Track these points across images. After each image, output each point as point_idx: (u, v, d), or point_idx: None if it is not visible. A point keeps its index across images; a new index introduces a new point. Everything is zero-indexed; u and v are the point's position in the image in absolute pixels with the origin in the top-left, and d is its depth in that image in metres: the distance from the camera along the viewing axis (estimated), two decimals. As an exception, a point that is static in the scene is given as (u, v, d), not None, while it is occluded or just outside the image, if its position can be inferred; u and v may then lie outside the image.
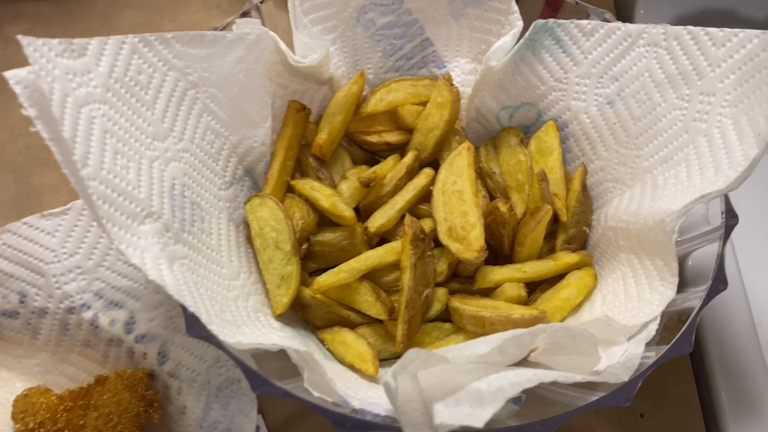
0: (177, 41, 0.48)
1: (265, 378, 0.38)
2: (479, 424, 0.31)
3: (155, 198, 0.44)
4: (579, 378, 0.36)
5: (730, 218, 0.45)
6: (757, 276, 0.61)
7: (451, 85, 0.57)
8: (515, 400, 0.40)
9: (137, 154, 0.44)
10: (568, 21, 0.55)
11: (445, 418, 0.32)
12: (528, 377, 0.34)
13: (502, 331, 0.48)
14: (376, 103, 0.59)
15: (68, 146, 0.38)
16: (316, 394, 0.40)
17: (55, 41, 0.40)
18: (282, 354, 0.42)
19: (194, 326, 0.39)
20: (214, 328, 0.39)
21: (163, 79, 0.47)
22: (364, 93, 0.60)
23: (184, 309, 0.39)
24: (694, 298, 0.43)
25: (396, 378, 0.33)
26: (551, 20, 0.55)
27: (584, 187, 0.55)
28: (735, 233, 0.62)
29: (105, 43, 0.43)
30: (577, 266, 0.53)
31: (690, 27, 0.49)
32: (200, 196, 0.49)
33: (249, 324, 0.45)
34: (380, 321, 0.52)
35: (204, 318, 0.39)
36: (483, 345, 0.35)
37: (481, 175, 0.58)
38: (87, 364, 0.52)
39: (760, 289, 0.61)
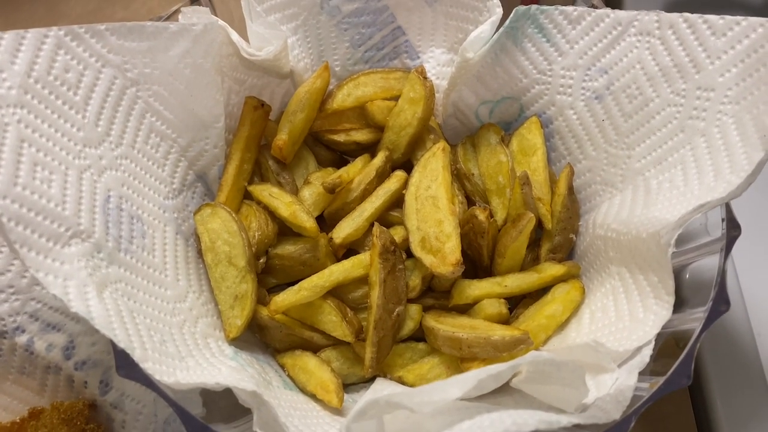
0: (112, 34, 0.42)
1: (205, 424, 0.33)
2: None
3: (84, 214, 0.38)
4: (564, 422, 0.32)
5: (732, 229, 0.40)
6: (756, 284, 0.57)
7: (425, 78, 0.52)
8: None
9: (63, 164, 0.38)
10: (552, 7, 0.50)
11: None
12: (505, 427, 0.30)
13: (480, 354, 0.44)
14: (344, 98, 0.54)
15: (-30, 160, 0.32)
16: (267, 441, 0.35)
17: (-42, 35, 0.34)
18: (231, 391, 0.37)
19: (125, 364, 0.34)
20: (149, 365, 0.34)
21: (96, 77, 0.42)
22: (330, 87, 0.55)
23: (113, 345, 0.34)
24: (693, 320, 0.38)
25: (349, 428, 0.28)
26: (534, 6, 0.50)
27: (571, 190, 0.51)
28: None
29: (22, 38, 0.38)
30: (563, 278, 0.48)
31: (686, 14, 0.44)
32: (142, 208, 0.43)
33: (195, 354, 0.40)
34: (347, 343, 0.47)
35: (138, 354, 0.34)
36: (455, 389, 0.31)
37: (459, 178, 0.54)
38: (22, 393, 0.47)
39: (759, 298, 0.57)
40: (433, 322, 0.46)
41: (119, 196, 0.42)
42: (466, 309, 0.48)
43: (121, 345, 0.34)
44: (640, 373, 0.38)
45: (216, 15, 0.50)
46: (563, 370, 0.36)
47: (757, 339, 0.54)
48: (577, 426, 0.34)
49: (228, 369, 0.39)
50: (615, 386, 0.37)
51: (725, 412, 0.51)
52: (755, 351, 0.53)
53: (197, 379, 0.35)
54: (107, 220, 0.40)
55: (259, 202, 0.50)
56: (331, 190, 0.49)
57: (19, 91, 0.37)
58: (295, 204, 0.48)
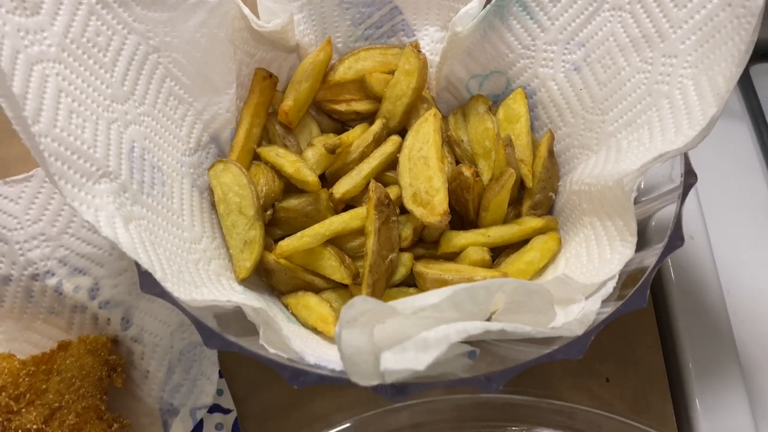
0: (137, 4, 0.48)
1: (217, 332, 0.38)
2: (421, 366, 0.31)
3: (112, 158, 0.43)
4: (529, 329, 0.36)
5: (689, 177, 0.45)
6: (726, 243, 0.61)
7: (419, 52, 0.57)
8: (470, 354, 0.40)
9: (94, 114, 0.43)
10: (535, -13, 0.55)
11: (389, 364, 0.32)
12: (475, 326, 0.34)
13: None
14: (345, 71, 0.59)
15: (18, 102, 0.37)
16: (271, 350, 0.40)
17: (6, -3, 0.39)
18: (243, 315, 0.42)
19: (148, 283, 0.39)
20: (169, 285, 0.39)
21: (123, 42, 0.47)
22: (333, 62, 0.60)
23: (138, 266, 0.39)
24: (652, 255, 0.43)
25: (342, 330, 0.33)
26: (518, -14, 0.55)
27: (551, 153, 0.55)
28: (704, 200, 0.63)
29: (60, 3, 0.43)
30: (541, 231, 0.53)
31: (652, -11, 0.49)
32: (161, 161, 0.49)
33: (209, 285, 0.45)
34: (345, 286, 0.52)
35: (158, 275, 0.39)
36: (434, 296, 0.35)
37: (450, 144, 0.58)
38: (52, 331, 0.52)
39: (728, 256, 0.61)
40: (422, 267, 0.51)
41: (142, 148, 0.47)
42: (452, 257, 0.53)
43: (144, 266, 0.39)
44: (604, 302, 0.42)
45: (229, -8, 0.55)
46: (534, 296, 0.40)
47: (725, 296, 0.58)
48: (546, 339, 0.39)
49: (238, 296, 0.44)
50: (581, 313, 0.42)
51: (694, 359, 0.55)
52: (723, 306, 0.57)
53: (211, 297, 0.40)
54: (132, 166, 0.45)
55: (266, 162, 0.55)
56: (332, 150, 0.54)
57: (58, 49, 0.42)
58: (299, 162, 0.53)
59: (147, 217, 0.44)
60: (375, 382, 0.34)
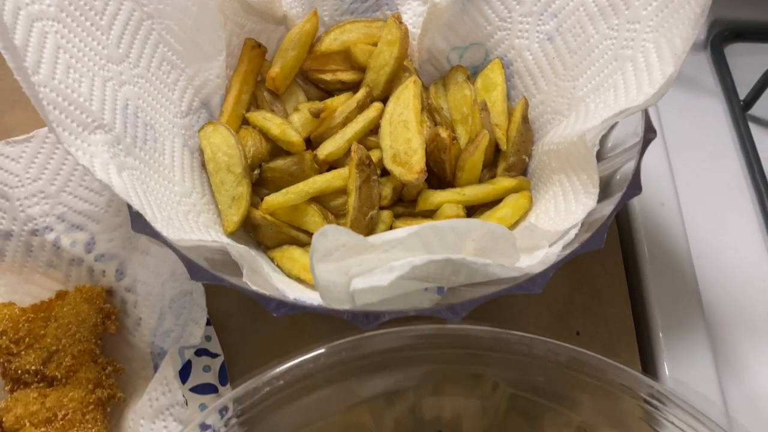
0: (132, -28, 0.51)
1: (202, 266, 0.41)
2: (385, 282, 0.34)
3: (107, 113, 0.46)
4: (489, 261, 0.39)
5: (649, 133, 0.48)
6: (697, 211, 0.64)
7: (400, 23, 0.60)
8: (438, 290, 0.43)
9: (90, 72, 0.46)
10: (511, -40, 0.57)
11: (358, 284, 0.35)
12: (437, 256, 0.37)
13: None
14: (330, 42, 0.62)
15: (19, 53, 0.40)
16: (253, 288, 0.43)
17: (7, -41, 0.42)
18: (232, 263, 0.45)
19: (139, 222, 0.42)
20: (158, 225, 0.42)
21: (118, 8, 0.50)
22: (319, 34, 0.63)
23: (129, 208, 0.42)
24: (612, 204, 0.46)
25: (316, 261, 0.36)
26: (494, -40, 0.58)
27: (525, 118, 0.58)
28: (677, 170, 0.66)
29: (58, -33, 0.46)
30: (514, 190, 0.56)
31: (618, -41, 0.52)
32: (154, 120, 0.52)
33: (197, 234, 0.48)
34: (327, 241, 0.54)
35: (149, 216, 0.42)
36: (402, 231, 0.38)
37: (430, 111, 0.61)
38: (50, 284, 0.55)
39: (698, 222, 0.64)
40: (401, 224, 0.54)
41: (136, 106, 0.50)
42: (430, 215, 0.55)
43: (136, 207, 0.42)
44: (568, 247, 0.45)
45: (220, -35, 0.58)
46: (500, 240, 0.43)
47: (694, 256, 0.61)
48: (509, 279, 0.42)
49: (224, 240, 0.47)
50: (544, 256, 0.45)
51: (661, 315, 0.58)
52: (688, 253, 0.60)
53: (199, 236, 0.43)
54: (125, 121, 0.48)
55: (254, 126, 0.58)
56: (317, 114, 0.57)
57: (57, 9, 0.45)
58: (285, 124, 0.56)
59: (139, 168, 0.47)
60: (347, 305, 0.37)
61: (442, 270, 0.39)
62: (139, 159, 0.48)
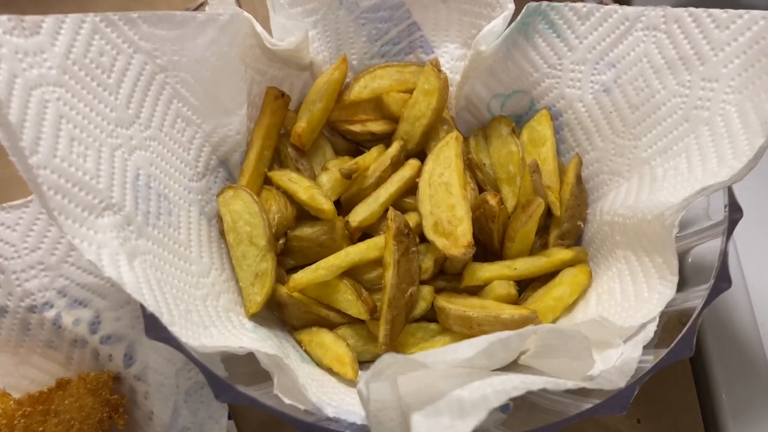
0: (144, 21, 0.45)
1: (230, 384, 0.35)
2: (459, 437, 0.29)
3: (116, 189, 0.40)
4: (570, 385, 0.33)
5: (734, 212, 0.42)
6: (759, 273, 0.58)
7: (439, 70, 0.54)
8: (503, 408, 0.37)
9: (97, 141, 0.40)
10: (562, 4, 0.52)
11: (422, 430, 0.29)
12: (514, 384, 0.31)
13: (491, 332, 0.45)
14: (360, 90, 0.56)
15: (15, 131, 0.35)
16: (287, 401, 0.37)
17: (4, 17, 0.37)
18: (253, 358, 0.39)
19: (154, 327, 0.36)
20: (177, 329, 0.36)
21: (128, 62, 0.44)
22: (348, 80, 0.57)
23: (143, 309, 0.36)
24: (695, 297, 0.40)
25: (368, 386, 0.30)
26: (544, 3, 0.52)
27: (579, 179, 0.52)
28: (737, 228, 0.60)
29: (62, 22, 0.40)
30: (570, 263, 0.50)
31: (691, 8, 0.46)
32: (168, 188, 0.46)
33: (218, 325, 0.42)
34: (362, 321, 0.49)
35: (165, 318, 0.36)
36: (467, 349, 0.32)
37: (471, 167, 0.55)
38: (49, 366, 0.49)
39: (762, 287, 0.58)
40: (444, 302, 0.48)
41: (148, 175, 0.44)
42: (476, 291, 0.50)
43: (150, 309, 0.36)
44: (645, 347, 0.39)
45: (241, 8, 0.52)
46: (570, 341, 0.37)
47: (760, 328, 0.55)
48: (579, 392, 0.36)
49: (249, 339, 0.41)
50: (620, 359, 0.39)
51: (728, 398, 0.52)
52: (758, 339, 0.54)
53: (222, 342, 0.37)
54: (137, 195, 0.42)
55: (278, 187, 0.52)
56: (348, 175, 0.51)
57: (59, 71, 0.39)
58: (314, 188, 0.50)
59: (153, 251, 0.41)
60: (402, 442, 0.31)
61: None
62: (152, 239, 0.42)
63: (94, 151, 0.40)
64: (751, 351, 0.54)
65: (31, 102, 0.36)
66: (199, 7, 0.50)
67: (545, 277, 0.50)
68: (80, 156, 0.39)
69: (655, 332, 0.40)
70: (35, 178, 0.35)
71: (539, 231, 0.52)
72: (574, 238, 0.52)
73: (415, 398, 0.32)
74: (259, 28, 0.50)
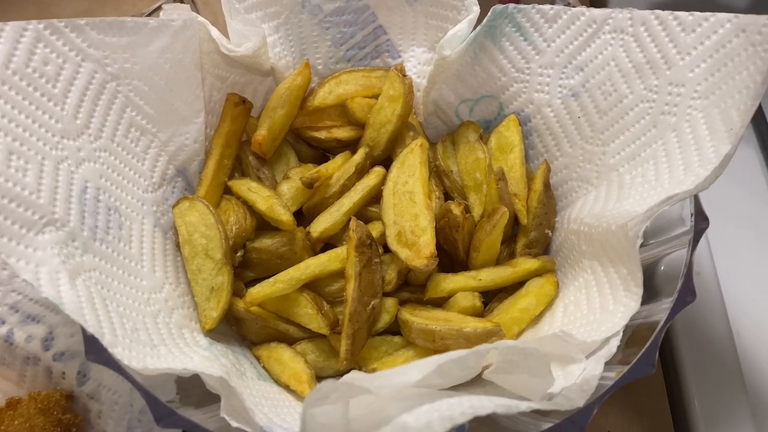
0: (92, 28, 0.43)
1: (171, 409, 0.33)
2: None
3: (60, 204, 0.39)
4: (523, 407, 0.32)
5: (700, 221, 0.41)
6: (735, 281, 0.57)
7: (404, 76, 0.53)
8: (459, 429, 0.35)
9: (39, 154, 0.39)
10: (529, 6, 0.50)
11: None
12: (462, 410, 0.30)
13: (453, 346, 0.44)
14: (325, 95, 0.55)
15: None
16: (234, 424, 0.35)
17: (-66, 25, 0.35)
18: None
19: (94, 349, 0.34)
20: (119, 350, 0.35)
21: (76, 71, 0.43)
22: (313, 85, 0.56)
23: (83, 330, 0.35)
24: (661, 310, 0.39)
25: (305, 411, 0.29)
26: (511, 5, 0.50)
27: (547, 186, 0.51)
28: (712, 233, 0.58)
29: (1, 30, 0.39)
30: (537, 273, 0.48)
31: (658, 11, 0.45)
32: (120, 200, 0.44)
33: (168, 343, 0.40)
34: (323, 335, 0.47)
35: (107, 339, 0.35)
36: (415, 372, 0.31)
37: (438, 174, 0.54)
38: (1, 384, 0.47)
39: (738, 295, 0.57)
40: (408, 315, 0.47)
41: (97, 188, 0.42)
42: (441, 302, 0.48)
43: (90, 330, 0.34)
44: (608, 363, 0.38)
45: (198, 14, 0.50)
46: (529, 358, 0.36)
47: (735, 338, 0.54)
48: (536, 412, 0.34)
49: (200, 358, 0.39)
50: (582, 376, 0.38)
51: (701, 407, 0.51)
52: (733, 349, 0.53)
53: (166, 364, 0.36)
54: (83, 210, 0.41)
55: (238, 197, 0.50)
56: (310, 185, 0.50)
57: (-4, 82, 0.37)
58: (273, 198, 0.48)
59: (99, 267, 0.40)
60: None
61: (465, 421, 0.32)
62: (99, 255, 0.40)
63: (35, 165, 0.38)
64: (724, 359, 0.53)
65: (-37, 114, 0.35)
66: (152, 13, 0.48)
67: (512, 288, 0.49)
68: (19, 170, 0.37)
69: (618, 347, 0.39)
70: (-34, 196, 0.34)
71: (506, 240, 0.51)
72: (542, 247, 0.51)
73: (362, 424, 0.31)
74: (215, 33, 0.49)
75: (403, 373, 0.31)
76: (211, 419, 0.36)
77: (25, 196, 0.37)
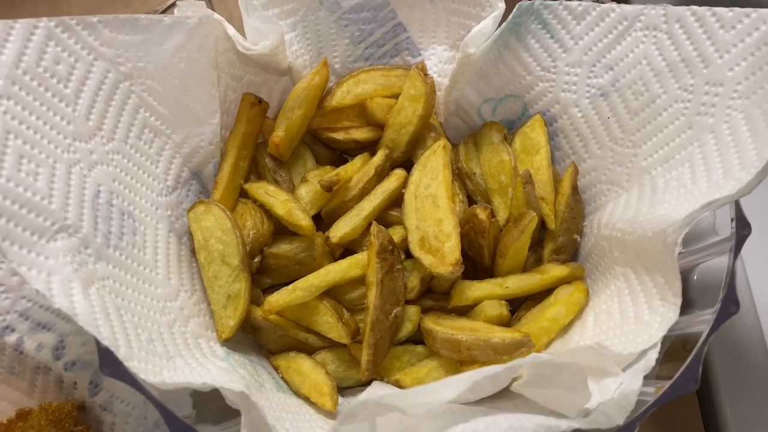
0: (105, 26, 0.42)
1: (188, 425, 0.31)
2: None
3: (72, 209, 0.37)
4: (564, 427, 0.30)
5: (742, 228, 0.39)
6: (766, 287, 0.55)
7: (426, 75, 0.51)
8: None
9: (51, 157, 0.37)
10: (556, 2, 0.48)
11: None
12: (501, 430, 0.28)
13: (480, 357, 0.42)
14: (343, 95, 0.53)
15: (-49, 150, 0.32)
16: (254, 443, 0.34)
17: (-58, 23, 0.33)
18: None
19: (108, 362, 0.33)
20: (134, 364, 0.33)
21: (88, 70, 0.41)
22: (330, 84, 0.54)
23: (98, 342, 0.33)
24: (700, 322, 0.37)
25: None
26: (537, 1, 0.49)
27: (575, 189, 0.49)
28: (746, 251, 0.56)
29: (11, 27, 0.37)
30: (566, 280, 0.47)
31: (694, 7, 0.43)
32: (133, 204, 0.42)
33: (185, 354, 0.39)
34: (343, 345, 0.45)
35: (122, 352, 0.33)
36: (449, 390, 0.29)
37: (460, 177, 0.52)
38: (11, 394, 0.46)
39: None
40: (431, 323, 0.45)
41: (110, 192, 0.41)
42: (466, 311, 0.47)
43: (105, 342, 0.33)
44: (646, 377, 0.36)
45: (214, 11, 0.49)
46: (564, 372, 0.34)
47: (766, 336, 0.52)
48: (577, 431, 0.33)
49: (218, 369, 0.38)
50: (619, 391, 0.36)
51: (734, 418, 0.49)
52: (765, 355, 0.51)
53: (184, 378, 0.34)
54: (96, 215, 0.39)
55: (255, 201, 0.49)
56: (329, 188, 0.48)
57: (6, 82, 0.36)
58: (291, 202, 0.47)
59: (113, 275, 0.38)
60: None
61: None
62: (112, 262, 0.39)
63: (47, 169, 0.37)
64: (757, 370, 0.51)
65: (-28, 117, 0.33)
66: (167, 10, 0.47)
67: (539, 295, 0.47)
68: (30, 174, 0.35)
69: (657, 360, 0.37)
70: (-25, 202, 0.32)
71: (533, 245, 0.49)
72: (571, 252, 0.49)
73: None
74: (231, 31, 0.47)
75: (435, 391, 0.30)
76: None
77: (37, 201, 0.35)
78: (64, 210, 0.37)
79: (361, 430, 0.30)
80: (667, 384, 0.34)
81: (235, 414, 0.36)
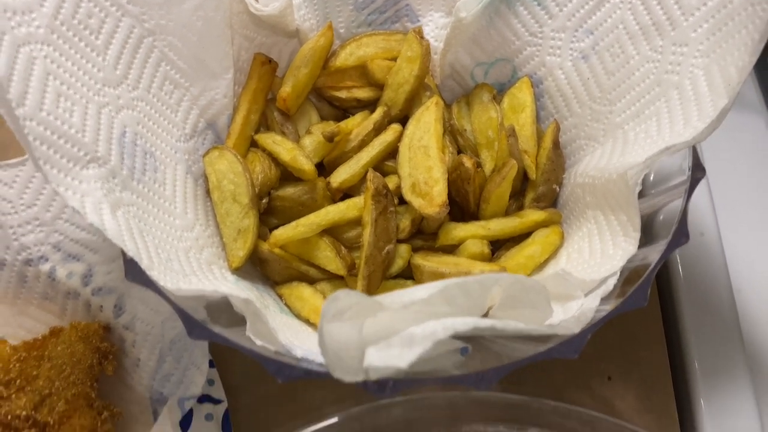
0: (131, -14, 0.47)
1: (200, 322, 0.37)
2: (404, 364, 0.30)
3: (102, 144, 0.42)
4: (521, 326, 0.35)
5: (697, 171, 0.43)
6: (738, 240, 0.59)
7: (421, 38, 0.55)
8: (462, 351, 0.39)
9: (84, 98, 0.42)
10: (543, -29, 0.53)
11: (373, 361, 0.31)
12: (464, 322, 0.33)
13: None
14: (346, 57, 0.58)
15: (2, 84, 0.37)
16: (258, 342, 0.39)
17: (-7, -23, 0.38)
18: (233, 306, 0.41)
19: (133, 271, 0.38)
20: (155, 273, 0.38)
21: (116, 25, 0.46)
22: (335, 47, 0.59)
23: (123, 254, 0.38)
24: (656, 252, 0.41)
25: (325, 323, 0.32)
26: (525, -30, 0.53)
27: (556, 144, 0.53)
28: (716, 194, 0.61)
29: (50, -16, 0.42)
30: (544, 224, 0.51)
31: (665, -25, 0.47)
32: (155, 146, 0.48)
33: (199, 275, 0.44)
34: (340, 277, 0.51)
35: (145, 263, 0.39)
36: (422, 291, 0.34)
37: (452, 133, 0.57)
38: (45, 317, 0.52)
39: (740, 254, 0.59)
40: (420, 260, 0.50)
41: (134, 133, 0.46)
42: (452, 250, 0.51)
43: (130, 254, 0.38)
44: (605, 299, 0.41)
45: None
46: (531, 292, 0.39)
47: (736, 295, 0.56)
48: (540, 336, 0.37)
49: (228, 287, 0.43)
50: (579, 310, 0.40)
51: (699, 359, 0.53)
52: (733, 305, 0.56)
53: (197, 286, 0.39)
54: (122, 151, 0.44)
55: (263, 149, 0.53)
56: (330, 138, 0.53)
57: (47, 31, 0.41)
58: (296, 149, 0.52)
59: (137, 203, 0.43)
60: (359, 378, 0.33)
61: (465, 332, 0.35)
62: (136, 193, 0.44)
63: (80, 107, 0.42)
64: (724, 315, 0.55)
65: (19, 58, 0.38)
66: (187, -26, 0.51)
67: (519, 238, 0.52)
68: (66, 111, 0.41)
69: (615, 285, 0.41)
70: (21, 129, 0.37)
71: (516, 194, 0.54)
72: (550, 201, 0.54)
73: (374, 337, 0.34)
74: (243, -8, 0.52)
75: (411, 293, 0.34)
76: (233, 336, 0.39)
77: (72, 134, 0.40)
78: (95, 143, 0.42)
79: (349, 329, 0.35)
80: (620, 301, 0.39)
81: (243, 323, 0.41)
